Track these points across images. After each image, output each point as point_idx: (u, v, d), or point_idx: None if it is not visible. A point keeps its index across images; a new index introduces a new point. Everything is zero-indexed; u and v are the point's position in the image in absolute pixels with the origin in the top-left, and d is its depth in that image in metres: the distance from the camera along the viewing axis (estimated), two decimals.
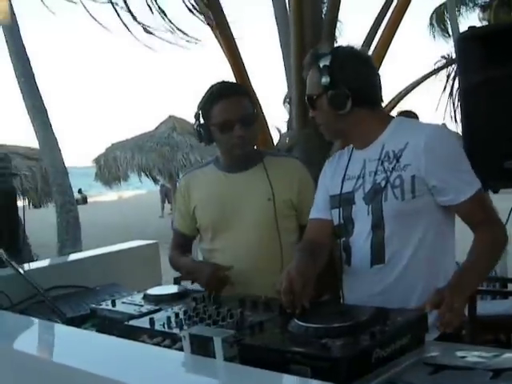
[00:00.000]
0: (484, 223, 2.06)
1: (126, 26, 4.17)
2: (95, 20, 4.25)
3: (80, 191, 33.58)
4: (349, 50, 2.26)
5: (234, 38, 3.90)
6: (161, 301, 2.13)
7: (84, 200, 32.36)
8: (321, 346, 1.51)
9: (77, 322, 2.23)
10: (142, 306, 2.11)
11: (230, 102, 2.52)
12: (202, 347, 1.37)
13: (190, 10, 4.00)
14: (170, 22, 4.14)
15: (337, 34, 3.77)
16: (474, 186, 2.05)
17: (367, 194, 2.13)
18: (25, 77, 10.03)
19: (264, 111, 3.87)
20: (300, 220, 2.62)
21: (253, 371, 1.29)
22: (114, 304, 2.16)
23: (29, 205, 16.47)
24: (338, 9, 3.85)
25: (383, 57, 3.81)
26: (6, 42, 10.11)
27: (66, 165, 11.01)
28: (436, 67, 7.23)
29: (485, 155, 3.27)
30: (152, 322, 1.86)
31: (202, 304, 2.01)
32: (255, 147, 2.73)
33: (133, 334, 1.85)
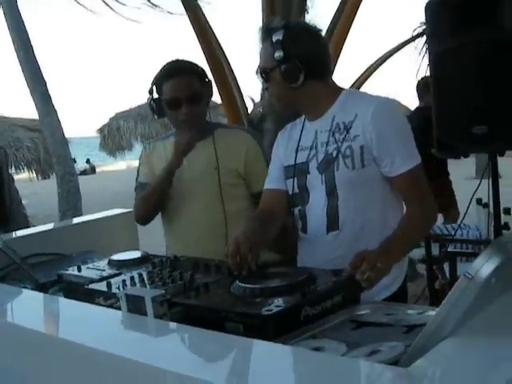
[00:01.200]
0: (417, 200, 2.16)
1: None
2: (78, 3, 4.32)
3: (88, 161, 33.48)
4: (301, 24, 2.35)
5: (203, 15, 3.92)
6: (123, 266, 2.24)
7: (93, 170, 32.33)
8: (253, 304, 1.62)
9: (47, 287, 2.35)
10: (104, 270, 2.21)
11: (179, 81, 2.64)
12: (135, 306, 1.49)
13: None
14: None
15: (309, 4, 3.80)
16: (412, 161, 2.14)
17: (320, 163, 2.22)
18: (23, 49, 10.07)
19: (241, 81, 3.95)
20: (250, 189, 2.74)
21: (176, 326, 1.41)
22: (79, 269, 2.27)
23: (37, 176, 16.65)
24: None
25: (348, 31, 3.87)
26: (4, 14, 10.15)
27: (72, 135, 11.12)
28: (415, 34, 7.19)
29: (454, 121, 3.35)
30: (109, 285, 1.96)
31: (158, 268, 2.11)
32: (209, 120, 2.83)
33: (91, 296, 1.96)
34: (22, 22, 10.27)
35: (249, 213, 2.70)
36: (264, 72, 2.26)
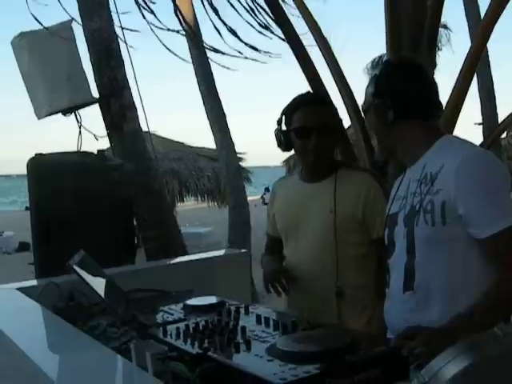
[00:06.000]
0: (509, 270, 1.83)
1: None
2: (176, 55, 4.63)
3: None
4: (402, 59, 2.21)
5: (307, 54, 3.80)
6: (192, 311, 2.21)
7: None
8: (276, 369, 1.51)
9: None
10: (172, 315, 2.20)
11: (310, 110, 2.54)
12: (142, 359, 1.45)
13: (262, 27, 4.02)
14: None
15: (444, 41, 3.56)
16: (503, 221, 1.81)
17: (406, 216, 2.02)
18: (205, 83, 10.54)
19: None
20: (368, 234, 2.54)
21: None
22: (154, 311, 2.28)
23: (218, 205, 17.29)
24: (439, 18, 3.59)
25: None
26: (190, 49, 10.68)
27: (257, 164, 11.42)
28: None
29: None
30: (164, 331, 1.95)
31: (218, 318, 2.05)
32: (335, 158, 2.72)
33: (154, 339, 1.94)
34: (206, 56, 10.73)
35: (365, 261, 2.54)
36: (362, 109, 2.15)
